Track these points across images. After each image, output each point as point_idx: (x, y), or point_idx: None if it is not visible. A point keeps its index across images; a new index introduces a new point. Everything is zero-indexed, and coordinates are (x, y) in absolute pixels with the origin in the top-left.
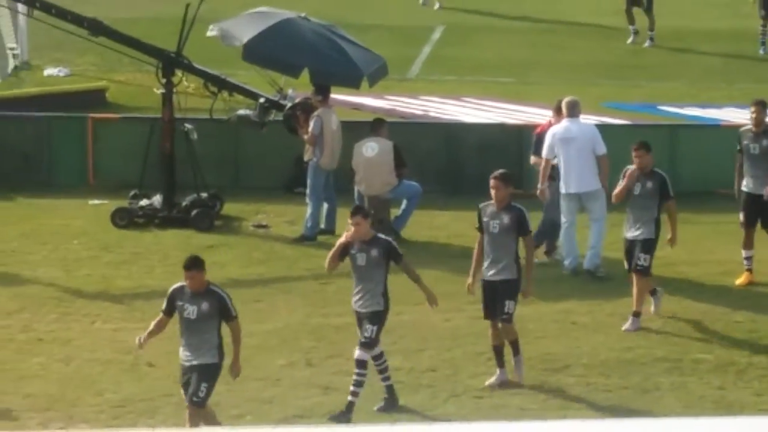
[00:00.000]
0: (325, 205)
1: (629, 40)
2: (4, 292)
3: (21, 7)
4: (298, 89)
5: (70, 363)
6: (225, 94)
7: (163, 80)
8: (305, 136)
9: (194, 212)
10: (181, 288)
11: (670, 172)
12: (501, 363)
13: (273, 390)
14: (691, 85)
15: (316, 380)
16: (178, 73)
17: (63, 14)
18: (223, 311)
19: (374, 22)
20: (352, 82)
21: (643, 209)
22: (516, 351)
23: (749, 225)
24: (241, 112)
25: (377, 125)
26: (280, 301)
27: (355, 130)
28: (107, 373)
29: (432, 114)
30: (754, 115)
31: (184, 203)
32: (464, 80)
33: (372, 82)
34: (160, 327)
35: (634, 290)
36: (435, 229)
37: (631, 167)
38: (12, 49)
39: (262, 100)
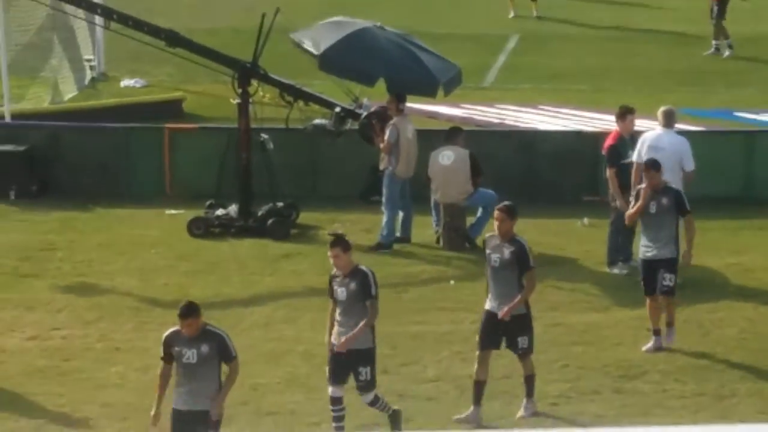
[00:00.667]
0: (401, 214)
1: (708, 52)
2: (82, 302)
3: (98, 20)
4: (373, 98)
5: (147, 372)
6: (301, 103)
7: (239, 90)
8: (381, 145)
9: (270, 221)
10: (176, 333)
11: (746, 179)
12: (478, 400)
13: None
14: (767, 92)
15: (392, 387)
16: (254, 83)
17: (140, 26)
18: (223, 352)
19: (449, 31)
20: (428, 91)
21: (660, 228)
22: (530, 391)
23: None
24: (317, 121)
25: (453, 133)
26: None
27: (431, 138)
28: None
29: (508, 122)
30: None
31: (260, 213)
32: (540, 88)
33: (447, 91)
34: (166, 377)
35: (661, 311)
36: None
37: (643, 186)
38: (89, 60)
39: (337, 109)
